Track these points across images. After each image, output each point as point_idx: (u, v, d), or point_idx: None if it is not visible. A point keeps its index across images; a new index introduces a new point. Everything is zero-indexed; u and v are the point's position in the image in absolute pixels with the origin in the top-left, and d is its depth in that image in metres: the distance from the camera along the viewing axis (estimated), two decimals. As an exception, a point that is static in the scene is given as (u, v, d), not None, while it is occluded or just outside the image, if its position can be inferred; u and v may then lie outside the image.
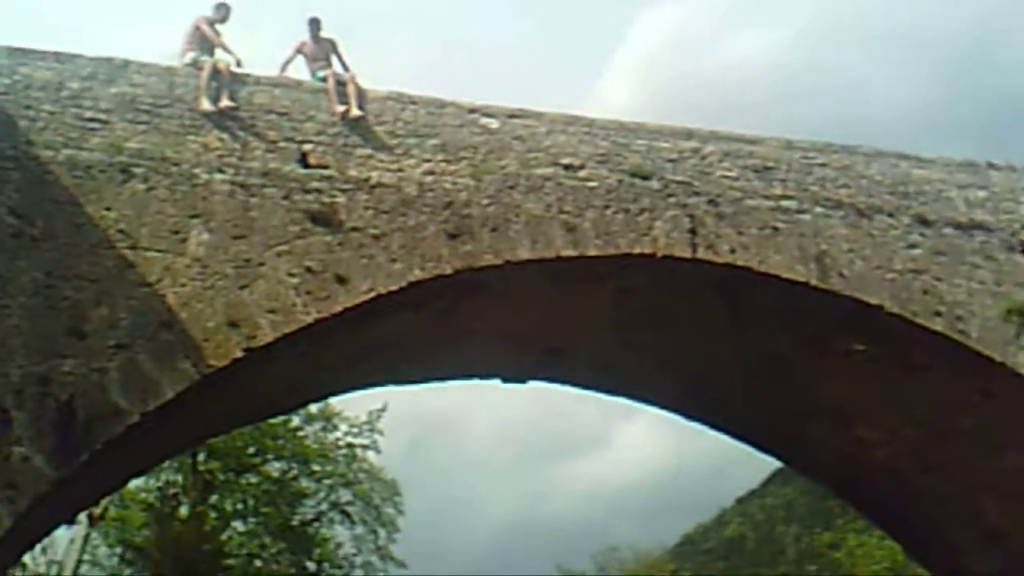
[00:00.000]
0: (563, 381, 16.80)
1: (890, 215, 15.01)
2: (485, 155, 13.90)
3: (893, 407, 15.62)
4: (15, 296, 11.20)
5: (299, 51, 14.54)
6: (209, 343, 11.74)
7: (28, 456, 10.66)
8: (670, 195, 14.31)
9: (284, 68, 14.42)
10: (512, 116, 14.39)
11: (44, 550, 24.43)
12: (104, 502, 23.79)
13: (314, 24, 14.77)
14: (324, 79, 13.85)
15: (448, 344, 14.80)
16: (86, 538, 25.57)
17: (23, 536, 11.54)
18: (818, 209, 14.78)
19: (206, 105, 12.74)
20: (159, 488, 27.29)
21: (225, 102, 12.86)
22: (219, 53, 13.64)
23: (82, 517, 23.43)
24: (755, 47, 50.52)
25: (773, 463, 21.10)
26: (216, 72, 13.05)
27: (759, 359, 15.47)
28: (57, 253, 11.53)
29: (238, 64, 13.44)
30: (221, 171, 12.62)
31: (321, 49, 14.46)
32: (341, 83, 13.72)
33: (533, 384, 16.72)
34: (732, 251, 14.11)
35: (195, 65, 13.22)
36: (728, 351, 15.44)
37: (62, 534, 23.70)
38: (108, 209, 11.93)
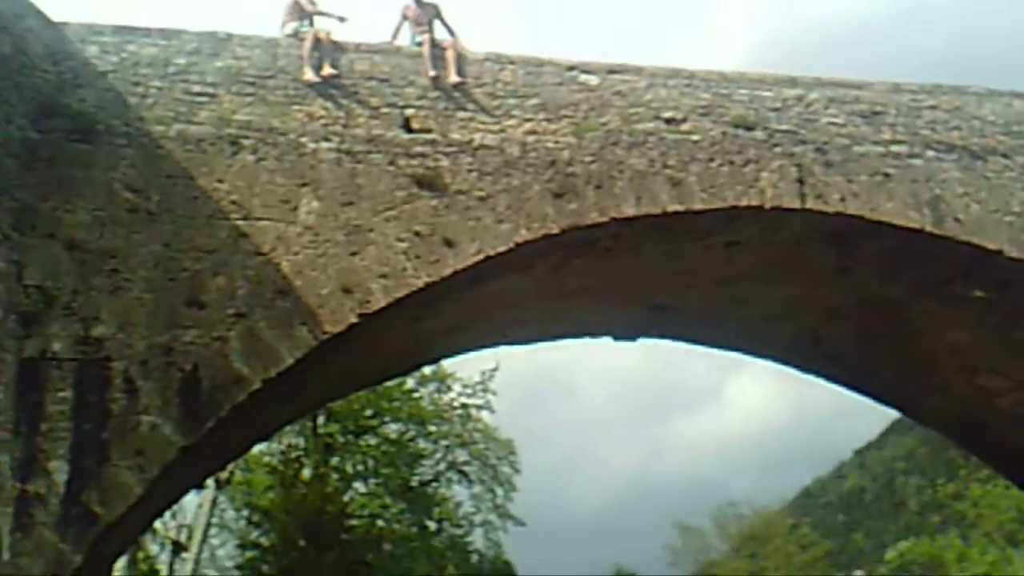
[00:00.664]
0: (674, 337, 16.75)
1: (1005, 156, 14.58)
2: (586, 112, 13.82)
3: (1017, 354, 15.23)
4: (135, 269, 11.56)
5: (404, 16, 14.50)
6: (324, 309, 11.99)
7: (156, 424, 11.06)
8: (776, 145, 14.08)
9: (395, 35, 14.39)
10: (611, 72, 14.25)
11: (174, 515, 25.24)
12: (230, 467, 24.44)
13: None
14: (420, 44, 13.89)
15: (557, 303, 14.86)
16: (214, 502, 26.37)
17: (154, 502, 11.99)
18: (930, 153, 14.41)
19: (309, 75, 12.92)
20: (282, 452, 27.95)
21: (327, 70, 13.01)
22: (318, 22, 13.77)
23: (209, 482, 24.16)
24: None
25: (891, 413, 20.74)
26: (317, 41, 13.21)
27: (874, 309, 15.22)
28: (174, 226, 11.86)
29: (341, 20, 13.54)
30: (327, 139, 12.79)
31: (424, 13, 14.41)
32: (440, 47, 13.77)
33: (644, 340, 16.70)
34: (842, 200, 13.86)
35: (296, 36, 13.38)
36: (841, 301, 15.21)
37: (191, 499, 24.48)
38: (220, 181, 12.21)
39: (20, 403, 10.57)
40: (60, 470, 10.57)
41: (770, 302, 15.49)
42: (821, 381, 17.37)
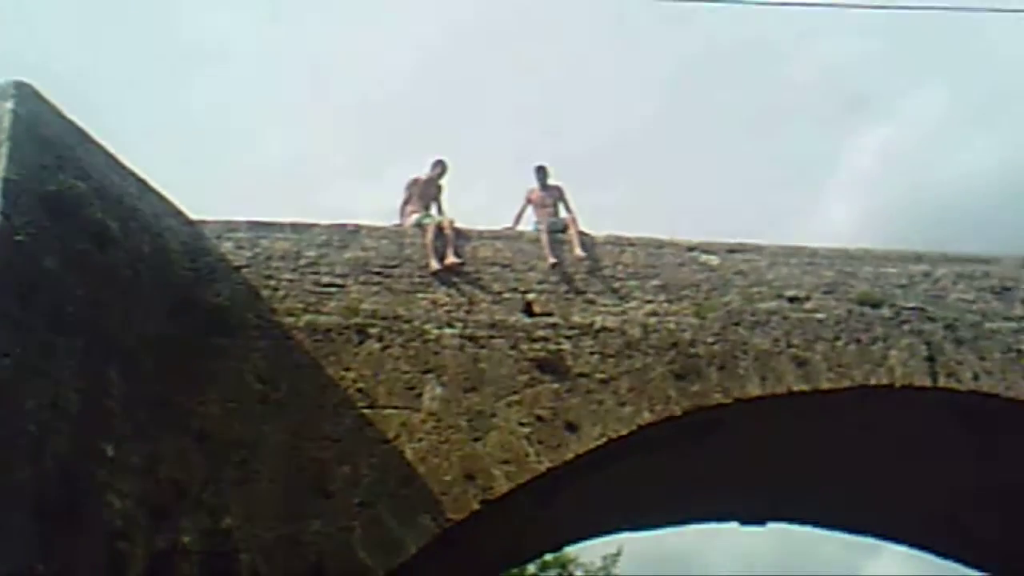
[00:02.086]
0: (804, 521, 16.29)
1: None
2: (707, 292, 13.82)
3: None
4: (264, 459, 11.75)
5: (528, 200, 14.78)
6: (447, 497, 11.98)
7: (282, 618, 11.06)
8: (904, 322, 13.85)
9: (517, 220, 14.65)
10: (732, 251, 14.29)
11: None
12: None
13: (541, 172, 14.97)
14: (564, 229, 14.03)
15: (682, 487, 14.62)
16: None
17: None
18: (1065, 328, 13.98)
19: (433, 264, 13.22)
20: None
21: (451, 259, 13.30)
22: (435, 211, 14.13)
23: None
24: (974, 157, 48.97)
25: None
26: (440, 231, 13.54)
27: (1014, 489, 14.59)
28: (301, 415, 12.06)
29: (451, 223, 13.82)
30: (451, 325, 12.99)
31: (548, 196, 14.71)
32: (561, 230, 13.97)
33: (773, 525, 16.25)
34: (975, 378, 13.49)
35: (420, 226, 13.74)
36: (979, 483, 14.64)
37: None
38: (347, 369, 12.43)
39: (150, 597, 10.69)
40: (187, 665, 10.61)
41: (904, 483, 14.98)
42: (962, 567, 16.61)
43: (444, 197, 14.53)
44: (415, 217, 13.98)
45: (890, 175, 52.77)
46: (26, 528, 9.52)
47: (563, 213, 14.53)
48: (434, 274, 13.21)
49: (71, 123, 11.05)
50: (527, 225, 14.68)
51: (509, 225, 14.50)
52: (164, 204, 12.27)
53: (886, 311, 13.93)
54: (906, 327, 13.82)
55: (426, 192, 14.34)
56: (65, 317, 10.28)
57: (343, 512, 11.67)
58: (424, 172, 14.65)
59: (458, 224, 13.80)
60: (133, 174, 11.81)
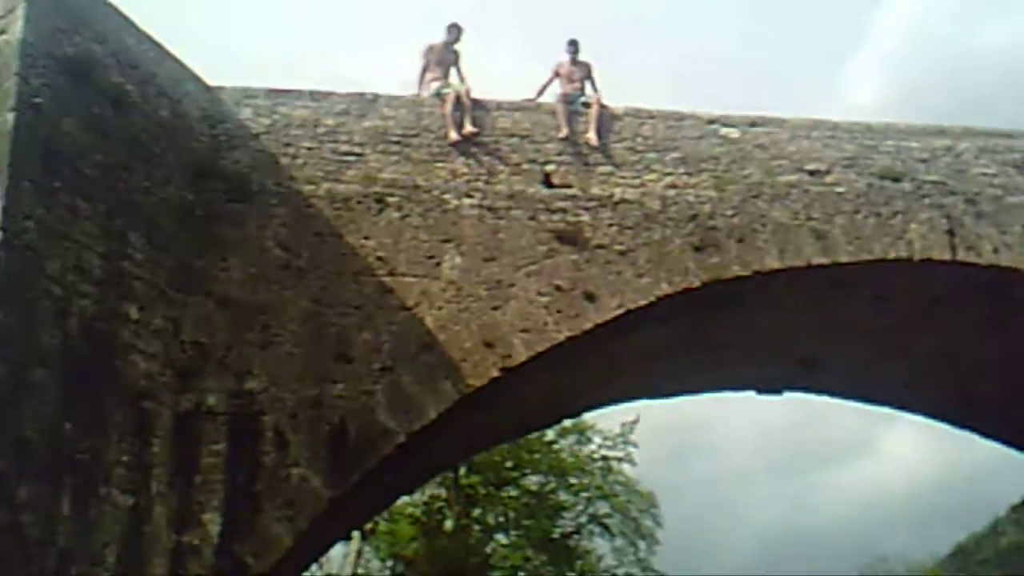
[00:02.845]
0: (819, 391, 16.41)
1: None
2: (727, 165, 13.75)
3: None
4: (286, 325, 11.89)
5: (556, 72, 14.57)
6: (467, 363, 12.13)
7: (306, 477, 11.30)
8: (924, 196, 13.79)
9: (541, 91, 14.45)
10: (753, 124, 14.17)
11: (320, 565, 25.56)
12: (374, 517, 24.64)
13: (572, 46, 14.74)
14: (587, 104, 13.94)
15: (699, 357, 14.72)
16: (359, 552, 26.63)
17: (303, 553, 12.23)
18: (1087, 201, 13.89)
19: (452, 135, 13.17)
20: (425, 503, 28.05)
21: (468, 128, 13.23)
22: (454, 77, 13.99)
23: (355, 532, 24.41)
24: (1005, 32, 47.96)
25: (1048, 469, 19.92)
26: (458, 101, 13.45)
27: (1028, 362, 14.68)
28: (322, 282, 12.16)
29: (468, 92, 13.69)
30: (469, 196, 12.99)
31: (578, 71, 14.54)
32: (585, 105, 13.87)
33: (789, 394, 16.39)
34: (995, 251, 13.48)
35: (439, 96, 13.65)
36: (994, 354, 14.70)
37: (337, 550, 24.76)
38: (366, 238, 12.49)
39: (176, 456, 10.92)
40: (213, 521, 10.87)
41: (920, 355, 15.06)
42: (975, 436, 16.78)
43: (462, 63, 14.36)
44: (435, 85, 13.86)
45: (917, 50, 51.90)
46: (53, 388, 9.71)
47: (589, 91, 14.38)
48: (453, 144, 13.17)
49: (88, -15, 10.98)
50: (551, 98, 14.52)
51: (531, 97, 14.35)
52: (182, 69, 12.21)
53: (907, 185, 13.86)
54: (927, 201, 13.77)
55: (444, 59, 14.18)
56: (86, 181, 10.34)
57: (365, 376, 11.85)
58: (439, 38, 14.47)
59: (475, 94, 13.67)
60: (150, 39, 11.73)
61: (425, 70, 14.13)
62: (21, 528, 9.21)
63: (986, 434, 16.70)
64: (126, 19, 11.41)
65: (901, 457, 51.93)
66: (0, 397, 9.17)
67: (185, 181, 11.82)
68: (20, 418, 9.37)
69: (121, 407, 10.47)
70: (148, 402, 10.77)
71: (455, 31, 14.42)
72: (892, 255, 13.42)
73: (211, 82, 12.65)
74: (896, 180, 13.87)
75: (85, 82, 10.51)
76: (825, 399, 16.76)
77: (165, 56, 11.91)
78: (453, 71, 14.15)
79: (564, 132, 13.57)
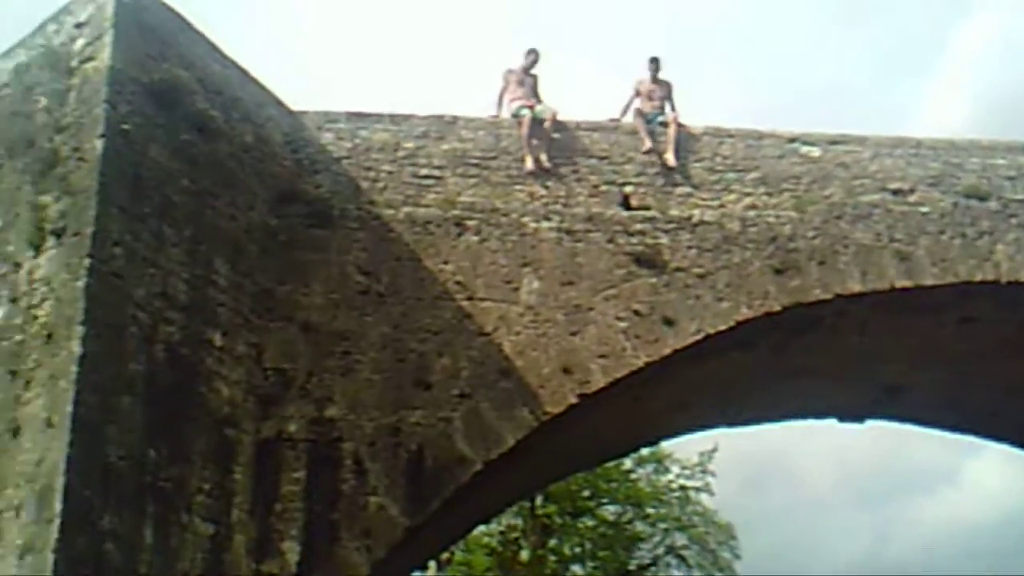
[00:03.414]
0: (903, 419, 16.11)
1: None
2: (808, 185, 13.53)
3: None
4: (366, 351, 11.84)
5: (636, 91, 14.40)
6: (545, 390, 12.02)
7: (383, 505, 11.24)
8: (1011, 215, 13.51)
9: (625, 111, 14.29)
10: (833, 143, 13.95)
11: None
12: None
13: (653, 63, 14.61)
14: (665, 124, 13.80)
15: (780, 383, 14.50)
16: (435, 582, 26.42)
17: (380, 582, 12.16)
18: None
19: (529, 163, 13.09)
20: (500, 532, 27.80)
21: (544, 162, 13.13)
22: (539, 101, 13.87)
23: (431, 562, 24.27)
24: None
25: None
26: (536, 124, 13.34)
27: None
28: (402, 307, 12.11)
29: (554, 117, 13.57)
30: (548, 219, 12.89)
31: (660, 89, 14.39)
32: (663, 124, 13.72)
33: (871, 422, 16.11)
34: (1086, 273, 13.13)
35: (516, 117, 13.55)
36: (1083, 381, 14.36)
37: (414, 577, 24.57)
38: (445, 262, 12.42)
39: (256, 484, 10.91)
40: (292, 550, 10.84)
41: (1007, 381, 14.72)
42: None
43: (540, 87, 14.24)
44: (515, 105, 13.76)
45: (1002, 62, 51.00)
46: (138, 414, 9.73)
47: (668, 110, 14.21)
48: (529, 173, 13.06)
49: (173, 11, 11.05)
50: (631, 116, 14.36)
51: (615, 116, 14.19)
52: (265, 94, 12.24)
53: (993, 204, 13.58)
54: (1014, 220, 13.50)
55: (523, 81, 14.09)
56: (172, 207, 10.39)
57: (443, 403, 11.78)
58: (518, 62, 14.38)
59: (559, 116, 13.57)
60: (234, 64, 11.79)
61: (504, 92, 14.05)
62: (104, 556, 9.22)
63: (1074, 462, 16.34)
64: (211, 44, 11.47)
65: (987, 487, 50.97)
66: (88, 424, 9.19)
67: (268, 206, 11.85)
68: (106, 445, 9.38)
69: (204, 434, 10.48)
70: (230, 429, 10.77)
71: (533, 55, 14.34)
72: (978, 277, 13.16)
73: (293, 107, 12.66)
74: (982, 199, 13.59)
75: (172, 108, 10.56)
76: (909, 427, 16.47)
77: (248, 81, 11.95)
78: (532, 97, 14.01)
79: (648, 144, 13.41)
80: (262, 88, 12.18)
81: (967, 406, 15.49)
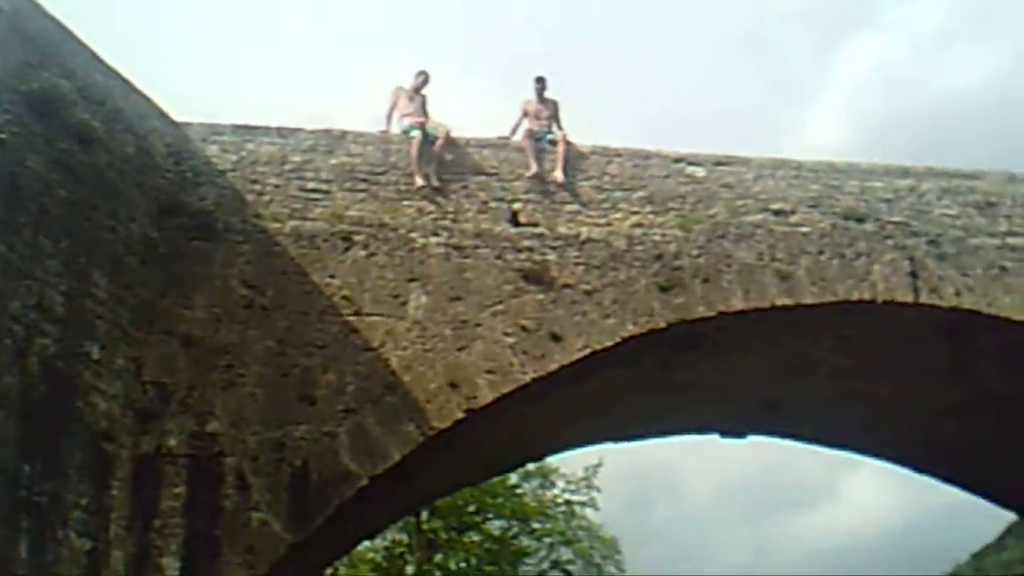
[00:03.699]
0: (783, 434, 16.45)
1: None
2: (693, 205, 13.78)
3: None
4: (249, 365, 11.73)
5: (524, 111, 14.49)
6: (431, 405, 12.03)
7: (266, 521, 11.14)
8: (887, 237, 13.89)
9: (513, 131, 14.37)
10: (718, 163, 14.21)
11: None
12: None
13: (539, 83, 14.69)
14: (554, 142, 13.94)
15: (664, 399, 14.69)
16: (318, 600, 26.06)
17: (262, 598, 12.01)
18: (1049, 245, 14.05)
19: (419, 181, 13.11)
20: (386, 548, 27.59)
21: (433, 180, 13.17)
22: (433, 119, 13.90)
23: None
24: (969, 74, 48.85)
25: (1009, 515, 20.08)
26: (427, 142, 13.38)
27: (990, 405, 14.77)
28: (287, 321, 12.02)
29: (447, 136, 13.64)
30: (436, 234, 12.92)
31: (545, 108, 14.49)
32: (552, 143, 13.87)
33: (753, 438, 16.41)
34: (957, 294, 13.59)
35: (406, 134, 13.57)
36: (955, 398, 14.81)
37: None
38: (332, 276, 12.37)
39: (135, 499, 10.73)
40: (172, 566, 10.71)
41: (883, 398, 15.13)
42: (936, 482, 16.87)
43: (430, 108, 14.28)
44: (406, 122, 13.77)
45: (882, 89, 52.59)
46: (11, 428, 9.49)
47: (556, 129, 14.34)
48: (418, 190, 13.09)
49: (55, 20, 10.82)
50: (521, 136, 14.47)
51: (505, 135, 14.27)
52: (148, 105, 12.07)
53: (870, 225, 13.95)
54: (890, 242, 13.86)
55: (413, 99, 14.12)
56: (50, 218, 10.15)
57: (328, 418, 11.72)
58: (408, 82, 14.41)
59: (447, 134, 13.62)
60: (117, 74, 11.60)
61: (393, 108, 14.06)
62: (-24, 572, 9.02)
63: (947, 479, 16.81)
64: (93, 54, 11.27)
65: (864, 503, 52.28)
66: (-43, 440, 8.97)
67: (150, 218, 11.68)
68: (-23, 460, 9.16)
69: (80, 449, 10.26)
70: (108, 444, 10.58)
71: (423, 76, 14.39)
72: (856, 297, 13.48)
73: (177, 118, 12.52)
74: (860, 220, 13.96)
75: (51, 118, 10.32)
76: (788, 443, 16.82)
77: (131, 91, 11.77)
78: (421, 115, 14.02)
79: (533, 169, 13.56)
80: (145, 99, 12.00)
81: (844, 422, 15.88)
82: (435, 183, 13.21)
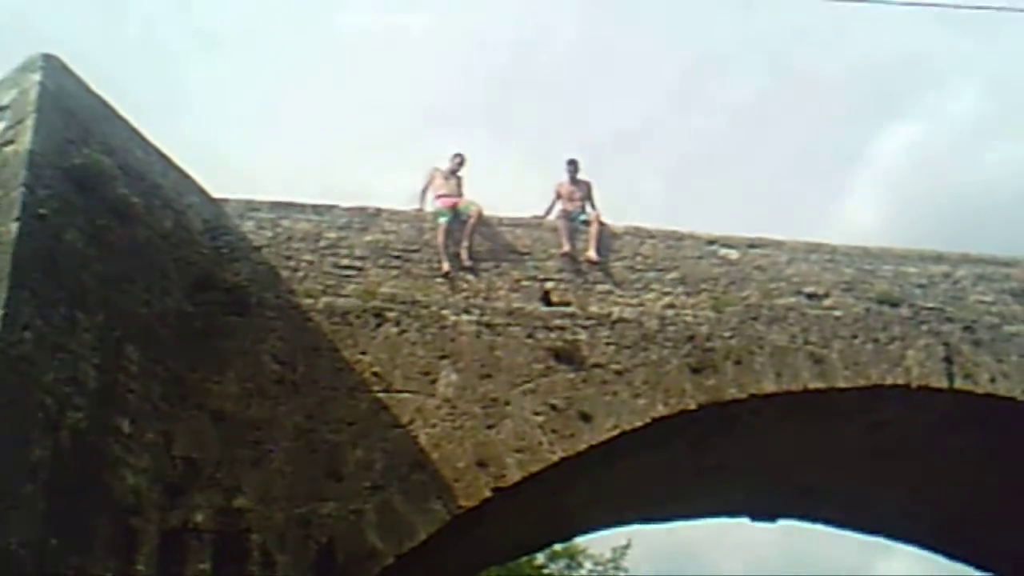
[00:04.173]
0: (815, 519, 16.26)
1: None
2: (726, 286, 13.80)
3: None
4: (278, 441, 11.73)
5: (558, 193, 14.60)
6: (459, 483, 11.97)
7: (292, 598, 11.08)
8: (922, 322, 13.84)
9: (548, 212, 14.48)
10: (752, 246, 14.27)
11: None
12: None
13: (572, 165, 14.83)
14: (587, 222, 14.03)
15: (694, 481, 14.60)
16: None
17: None
18: (1086, 333, 13.91)
19: (445, 267, 13.20)
20: (411, 628, 27.33)
21: (464, 260, 13.30)
22: (460, 202, 13.99)
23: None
24: (1005, 161, 48.90)
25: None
26: (457, 222, 13.51)
27: (1026, 493, 14.57)
28: (317, 397, 12.05)
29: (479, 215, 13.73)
30: (468, 312, 12.97)
31: (578, 190, 14.59)
32: (585, 223, 13.95)
33: (784, 521, 16.22)
34: (992, 380, 13.50)
35: (436, 217, 13.67)
36: (990, 484, 14.60)
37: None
38: (363, 353, 12.42)
39: (160, 574, 10.67)
40: (196, 644, 10.64)
41: (916, 484, 14.96)
42: (971, 569, 16.58)
43: (465, 190, 14.39)
44: (438, 204, 13.87)
45: (917, 175, 52.57)
46: (40, 501, 9.52)
47: (589, 209, 14.45)
48: (445, 275, 13.17)
49: (97, 97, 11.07)
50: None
51: (538, 215, 14.37)
52: (187, 181, 12.27)
53: (905, 310, 13.91)
54: (924, 327, 13.81)
55: (447, 181, 14.25)
56: (86, 292, 10.28)
57: (355, 495, 11.66)
58: (444, 164, 14.56)
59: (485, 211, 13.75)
60: (157, 150, 11.82)
61: (428, 186, 14.21)
62: (2, 646, 9.00)
63: (980, 566, 16.51)
64: (134, 130, 11.50)
65: (898, 589, 51.11)
66: (-14, 511, 9.01)
67: (185, 293, 11.80)
68: (6, 532, 9.16)
69: (108, 522, 10.26)
70: (135, 518, 10.56)
71: (459, 159, 14.53)
72: (889, 381, 13.41)
73: (215, 194, 12.71)
74: (894, 305, 13.92)
75: (91, 193, 10.52)
76: (820, 528, 16.61)
77: (170, 167, 11.99)
78: (459, 194, 14.14)
79: (566, 247, 13.62)
80: (184, 175, 12.22)
81: (877, 507, 15.68)
82: (467, 262, 13.30)
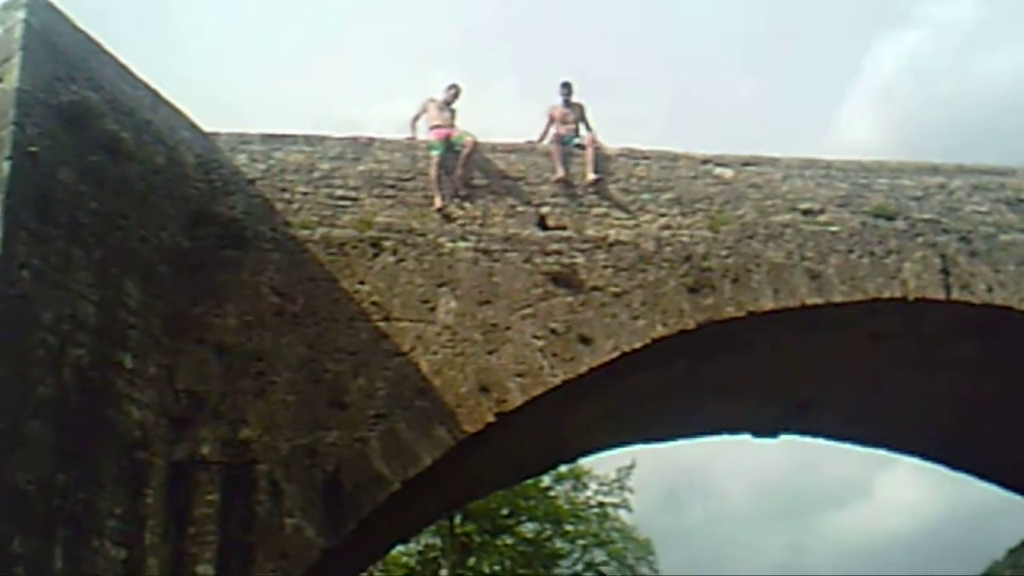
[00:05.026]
0: (816, 433, 16.37)
1: None
2: (721, 205, 13.77)
3: None
4: (280, 372, 11.81)
5: (551, 116, 14.52)
6: (462, 409, 12.06)
7: (300, 527, 11.20)
8: (918, 235, 13.83)
9: (542, 138, 14.37)
10: (746, 164, 14.21)
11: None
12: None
13: (565, 88, 14.73)
14: (581, 146, 13.98)
15: (695, 400, 14.68)
16: (352, 605, 26.05)
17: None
18: (1081, 239, 13.93)
19: (438, 202, 13.15)
20: (419, 552, 27.60)
21: (461, 190, 13.23)
22: (454, 132, 13.89)
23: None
24: (1001, 70, 48.52)
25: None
26: (452, 152, 13.43)
27: (1024, 400, 14.67)
28: (317, 328, 12.10)
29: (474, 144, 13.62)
30: (464, 239, 12.96)
31: (571, 113, 14.52)
32: (580, 146, 13.89)
33: (785, 437, 16.35)
34: (989, 290, 13.51)
35: (428, 151, 13.57)
36: (990, 394, 14.69)
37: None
38: (361, 283, 12.44)
39: (169, 507, 10.82)
40: (207, 573, 10.77)
41: (916, 396, 15.04)
42: (972, 478, 16.75)
43: (458, 121, 14.27)
44: (432, 134, 13.73)
45: (913, 84, 52.24)
46: (46, 438, 9.62)
47: (584, 131, 14.38)
48: (439, 210, 13.12)
49: (84, 34, 10.98)
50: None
51: (532, 140, 14.28)
52: (177, 116, 12.21)
53: (900, 223, 13.89)
54: (920, 239, 13.80)
55: (441, 112, 14.14)
56: (81, 229, 10.30)
57: (359, 423, 11.77)
58: (439, 94, 14.45)
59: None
60: (146, 86, 11.74)
61: (421, 115, 14.11)
62: (14, 581, 9.11)
63: (982, 475, 16.68)
64: (122, 66, 11.41)
65: (899, 500, 51.88)
66: (-6, 449, 9.08)
67: (181, 228, 11.80)
68: (14, 470, 9.26)
69: (115, 457, 10.38)
70: (141, 452, 10.68)
71: (454, 90, 14.39)
72: (886, 295, 13.43)
73: (206, 128, 12.63)
74: (890, 219, 13.90)
75: (81, 130, 10.48)
76: (821, 442, 16.74)
77: (160, 103, 11.91)
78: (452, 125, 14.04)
79: (560, 173, 13.59)
80: (174, 110, 12.14)
81: (877, 419, 15.79)
82: (462, 192, 13.25)
